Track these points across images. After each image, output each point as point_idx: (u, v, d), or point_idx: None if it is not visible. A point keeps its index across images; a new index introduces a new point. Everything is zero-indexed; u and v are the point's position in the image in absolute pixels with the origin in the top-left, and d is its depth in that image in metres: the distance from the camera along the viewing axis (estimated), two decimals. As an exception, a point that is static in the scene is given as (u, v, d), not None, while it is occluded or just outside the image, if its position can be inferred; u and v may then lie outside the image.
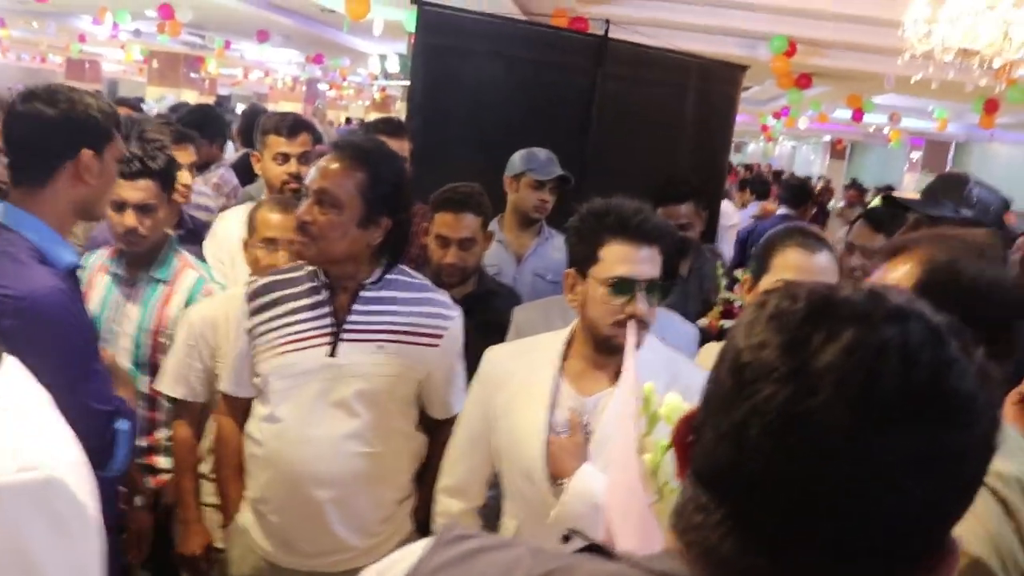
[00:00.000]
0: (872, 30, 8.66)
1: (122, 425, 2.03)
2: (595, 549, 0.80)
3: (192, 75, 21.63)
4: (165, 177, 2.79)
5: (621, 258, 1.92)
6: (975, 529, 1.18)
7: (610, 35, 4.58)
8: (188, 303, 2.75)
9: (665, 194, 3.69)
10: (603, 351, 1.98)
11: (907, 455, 0.65)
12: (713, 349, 2.39)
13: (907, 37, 6.47)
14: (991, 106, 10.85)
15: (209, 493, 2.59)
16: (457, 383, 2.38)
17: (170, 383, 2.59)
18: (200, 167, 4.31)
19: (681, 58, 4.89)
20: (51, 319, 1.83)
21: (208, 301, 2.72)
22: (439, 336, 2.30)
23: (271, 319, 2.27)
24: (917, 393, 0.66)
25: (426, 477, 2.34)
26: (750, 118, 20.84)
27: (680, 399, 1.47)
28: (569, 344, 2.06)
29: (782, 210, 6.54)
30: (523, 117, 4.18)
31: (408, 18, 6.56)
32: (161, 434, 2.76)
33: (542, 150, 3.59)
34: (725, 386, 0.72)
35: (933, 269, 1.37)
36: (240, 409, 2.38)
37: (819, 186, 14.38)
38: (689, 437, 0.77)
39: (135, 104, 6.27)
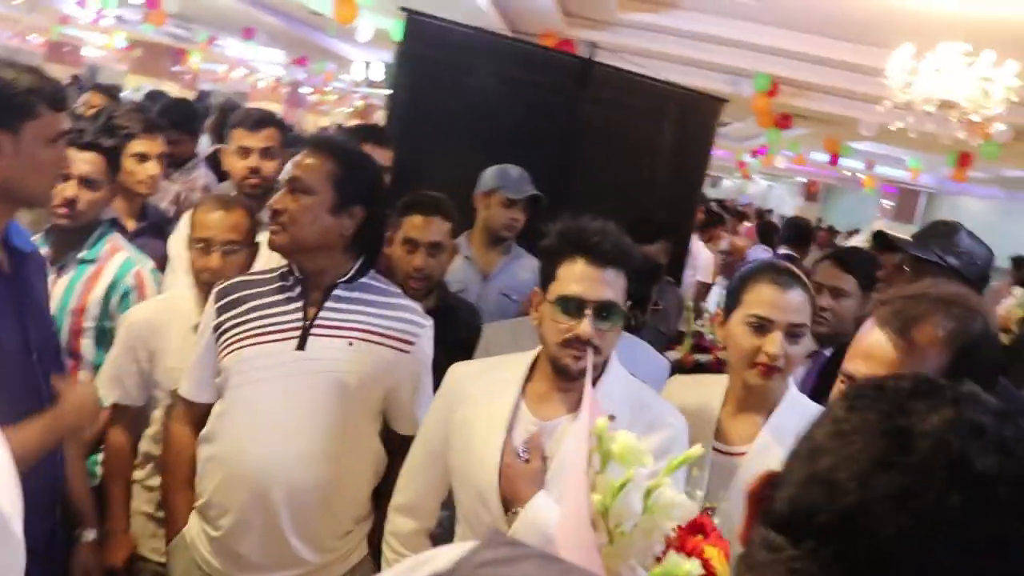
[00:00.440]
0: (855, 76, 8.76)
1: None
2: None
3: (174, 68, 21.47)
4: (112, 156, 2.73)
5: (575, 277, 1.86)
6: None
7: (595, 59, 4.57)
8: (114, 285, 2.66)
9: (637, 232, 3.69)
10: (560, 375, 1.93)
11: (987, 534, 0.68)
12: (680, 381, 2.34)
13: (889, 86, 6.55)
14: (964, 160, 11.01)
15: (144, 501, 2.51)
16: (424, 397, 2.32)
17: (106, 386, 2.50)
18: (178, 163, 4.20)
19: (662, 87, 4.87)
20: None
21: (150, 303, 2.64)
22: (410, 343, 2.27)
23: (240, 314, 2.23)
24: (1008, 477, 0.70)
25: (384, 499, 2.26)
26: (728, 154, 21.01)
27: (634, 438, 1.42)
28: (533, 366, 2.01)
29: (783, 250, 6.58)
30: (503, 134, 4.13)
31: (396, 27, 6.52)
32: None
33: (515, 167, 3.55)
34: (818, 440, 0.76)
35: (966, 344, 1.37)
36: (198, 416, 2.30)
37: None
38: (767, 492, 0.80)
39: (112, 91, 6.15)
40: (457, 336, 2.70)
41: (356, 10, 7.26)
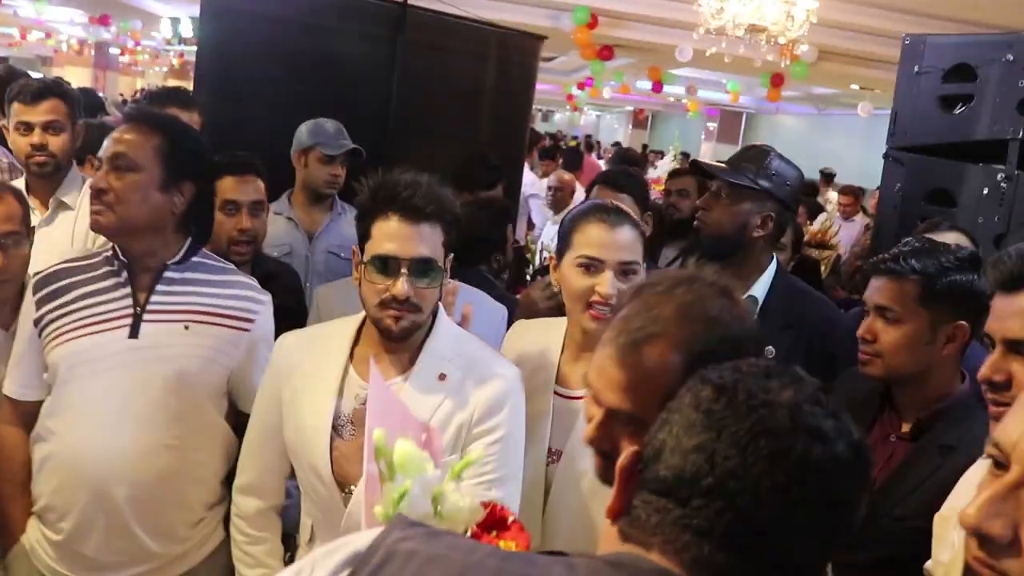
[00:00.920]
0: (671, 5, 8.93)
1: None
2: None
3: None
4: None
5: (388, 235, 1.79)
6: None
7: (410, 3, 4.46)
8: None
9: (475, 181, 3.66)
10: (384, 336, 1.87)
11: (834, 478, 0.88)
12: (522, 326, 2.30)
13: (701, 12, 6.71)
14: (777, 80, 11.48)
15: None
16: None
17: None
18: None
19: (481, 27, 4.83)
20: None
21: None
22: (250, 320, 2.17)
23: (63, 304, 2.08)
24: (842, 434, 0.90)
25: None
26: (556, 88, 21.19)
27: (412, 446, 1.38)
28: (361, 329, 1.96)
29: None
30: (319, 87, 3.99)
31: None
32: None
33: (330, 121, 3.45)
34: (690, 417, 0.90)
35: (698, 356, 1.16)
36: (27, 415, 2.14)
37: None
38: (638, 467, 0.93)
39: None
40: (281, 302, 2.61)
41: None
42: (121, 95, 19.41)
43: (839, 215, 8.65)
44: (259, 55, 4.00)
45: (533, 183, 7.43)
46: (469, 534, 1.38)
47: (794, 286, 2.54)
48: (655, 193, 6.29)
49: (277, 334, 2.14)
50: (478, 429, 1.85)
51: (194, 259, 2.15)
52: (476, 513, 1.38)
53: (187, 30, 13.13)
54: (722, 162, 2.60)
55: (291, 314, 2.52)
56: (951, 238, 2.59)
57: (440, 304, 1.96)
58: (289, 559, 2.09)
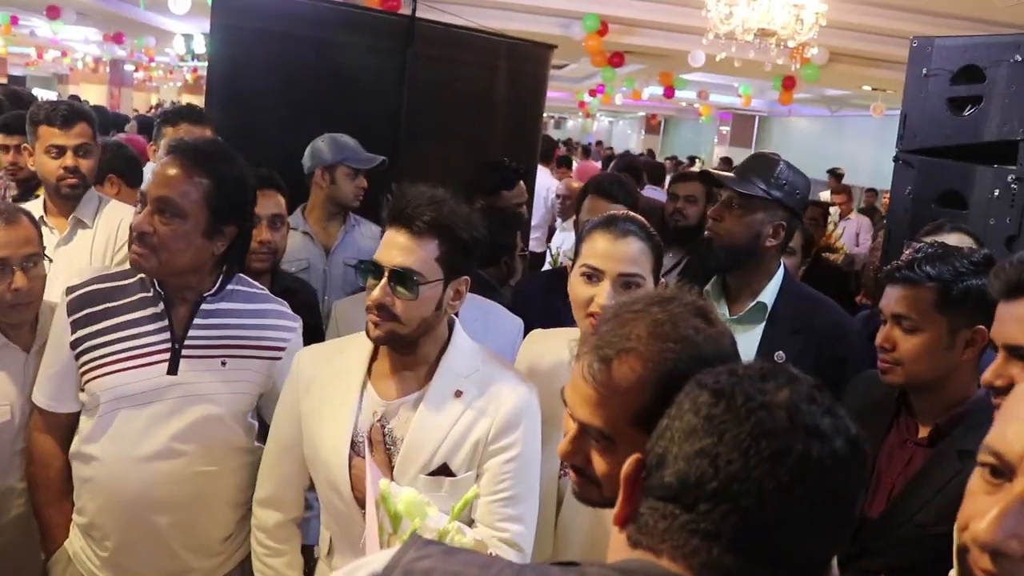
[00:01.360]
0: (680, 11, 8.94)
1: None
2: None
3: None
4: None
5: (383, 244, 1.84)
6: None
7: (419, 15, 4.48)
8: None
9: (492, 183, 3.66)
10: (395, 348, 1.90)
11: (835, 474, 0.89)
12: (535, 337, 2.30)
13: (710, 18, 6.71)
14: (789, 83, 11.46)
15: None
16: None
17: None
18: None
19: (490, 38, 4.85)
20: None
21: None
22: (282, 349, 2.19)
23: (99, 333, 2.08)
24: (840, 432, 0.90)
25: None
26: (568, 95, 21.22)
27: (415, 493, 1.40)
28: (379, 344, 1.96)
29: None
30: (330, 102, 4.02)
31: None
32: None
33: (345, 136, 3.48)
34: (691, 423, 0.91)
35: (669, 373, 1.17)
36: (61, 426, 2.17)
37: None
38: (642, 474, 0.95)
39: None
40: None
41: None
42: (136, 110, 19.57)
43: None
44: (269, 71, 4.03)
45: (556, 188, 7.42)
46: None
47: (802, 291, 2.54)
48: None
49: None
50: (494, 446, 1.85)
51: (229, 287, 2.17)
52: (480, 548, 1.39)
53: (200, 46, 13.22)
54: (729, 171, 2.61)
55: (308, 330, 2.55)
56: (954, 239, 2.59)
57: (456, 319, 1.98)
58: (309, 572, 2.11)
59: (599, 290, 1.95)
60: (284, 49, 4.06)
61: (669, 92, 14.39)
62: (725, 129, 22.99)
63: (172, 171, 2.02)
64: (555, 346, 2.17)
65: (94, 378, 2.08)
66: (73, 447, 2.15)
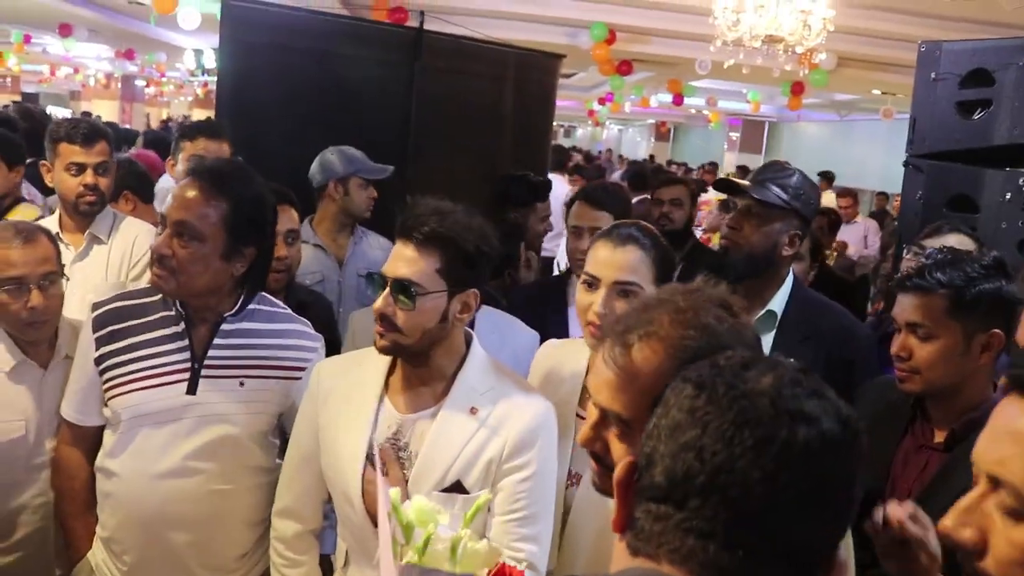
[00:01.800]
0: (687, 18, 8.95)
1: None
2: None
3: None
4: None
5: (391, 255, 1.85)
6: None
7: (426, 27, 4.51)
8: None
9: (513, 198, 3.66)
10: (407, 360, 1.91)
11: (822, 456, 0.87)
12: (549, 348, 2.30)
13: (718, 25, 6.72)
14: (798, 88, 11.45)
15: None
16: None
17: None
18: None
19: (498, 49, 4.87)
20: None
21: None
22: (302, 369, 2.19)
23: (122, 350, 2.12)
24: (829, 414, 0.89)
25: None
26: (577, 104, 21.23)
27: (426, 501, 1.41)
28: (396, 358, 1.96)
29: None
30: (337, 114, 4.03)
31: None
32: None
33: (352, 148, 3.51)
34: (676, 418, 0.90)
35: (688, 358, 1.17)
36: (86, 439, 2.22)
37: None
38: (634, 477, 0.93)
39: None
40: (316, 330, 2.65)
41: (175, -2, 6.96)
42: (148, 125, 19.68)
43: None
44: (277, 84, 4.05)
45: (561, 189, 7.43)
46: None
47: (810, 298, 2.53)
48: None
49: None
50: (508, 465, 1.84)
51: (250, 307, 2.18)
52: (494, 554, 1.39)
53: (210, 61, 13.30)
54: (737, 179, 2.60)
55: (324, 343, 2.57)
56: (953, 240, 2.58)
57: (474, 335, 1.98)
58: (326, 582, 2.12)
59: (596, 297, 1.96)
60: (292, 62, 4.09)
61: (678, 99, 14.40)
62: (735, 135, 22.97)
63: (191, 194, 2.05)
64: (570, 356, 2.16)
65: (116, 395, 2.12)
66: (97, 461, 2.19)
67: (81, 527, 2.22)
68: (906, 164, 3.45)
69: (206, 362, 2.12)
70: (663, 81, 13.85)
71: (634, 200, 6.78)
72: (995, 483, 0.93)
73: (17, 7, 11.39)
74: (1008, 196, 3.07)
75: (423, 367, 1.89)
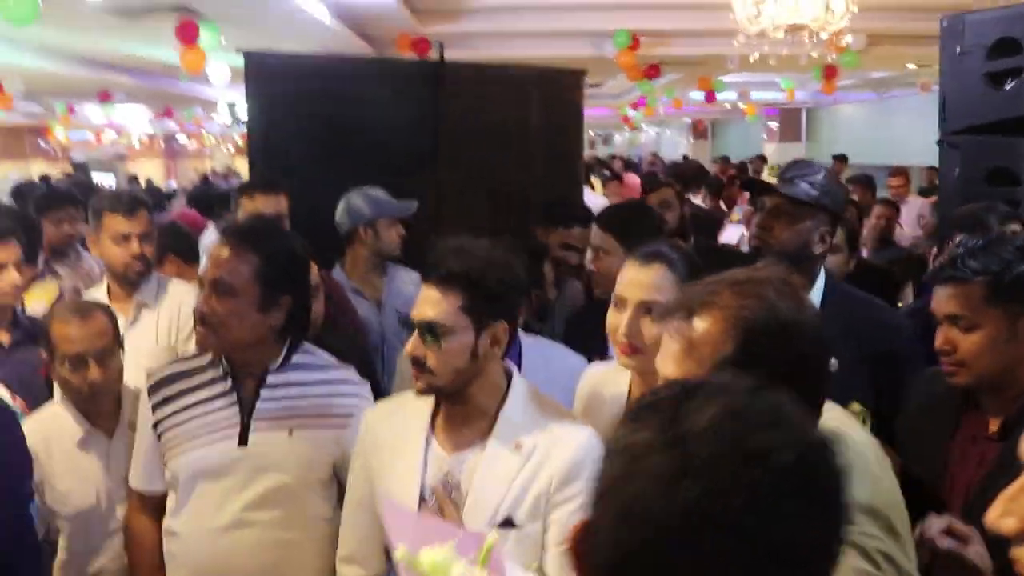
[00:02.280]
0: (708, 15, 8.87)
1: None
2: None
3: (41, 144, 20.82)
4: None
5: (418, 298, 1.88)
6: None
7: (448, 56, 4.54)
8: None
9: (561, 219, 3.61)
10: (447, 400, 1.92)
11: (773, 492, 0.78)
12: (593, 372, 2.29)
13: (739, 19, 6.66)
14: (830, 72, 11.29)
15: None
16: None
17: None
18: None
19: (519, 72, 4.89)
20: None
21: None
22: (349, 416, 2.23)
23: (175, 412, 2.21)
24: (781, 446, 0.79)
25: None
26: (611, 111, 21.18)
27: (442, 551, 1.40)
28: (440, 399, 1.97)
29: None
30: (366, 155, 4.08)
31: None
32: None
33: (375, 190, 3.57)
34: (617, 471, 0.80)
35: (750, 328, 1.28)
36: (153, 506, 2.30)
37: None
38: (586, 544, 0.84)
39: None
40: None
41: (203, 57, 7.11)
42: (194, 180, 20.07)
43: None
44: (305, 131, 4.12)
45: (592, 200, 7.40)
46: None
47: (847, 292, 2.49)
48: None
49: None
50: (557, 497, 1.83)
51: (295, 358, 2.24)
52: None
53: (244, 112, 13.55)
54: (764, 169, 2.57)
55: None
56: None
57: (515, 369, 1.98)
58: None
59: (623, 318, 1.95)
60: (316, 107, 4.14)
61: (710, 96, 14.29)
62: (774, 125, 22.69)
63: (223, 253, 2.15)
64: (611, 379, 2.16)
65: (173, 456, 2.20)
66: (163, 524, 2.26)
67: None
68: (940, 143, 3.39)
69: (255, 415, 2.18)
70: (693, 80, 13.77)
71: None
72: None
73: (57, 80, 11.73)
74: (1049, 165, 3.00)
75: (464, 405, 1.90)
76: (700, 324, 1.31)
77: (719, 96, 15.02)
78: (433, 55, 4.58)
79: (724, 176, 10.91)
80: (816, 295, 2.41)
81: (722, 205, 8.61)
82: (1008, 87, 3.15)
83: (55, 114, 17.09)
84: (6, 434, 2.02)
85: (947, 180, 3.41)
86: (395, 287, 3.53)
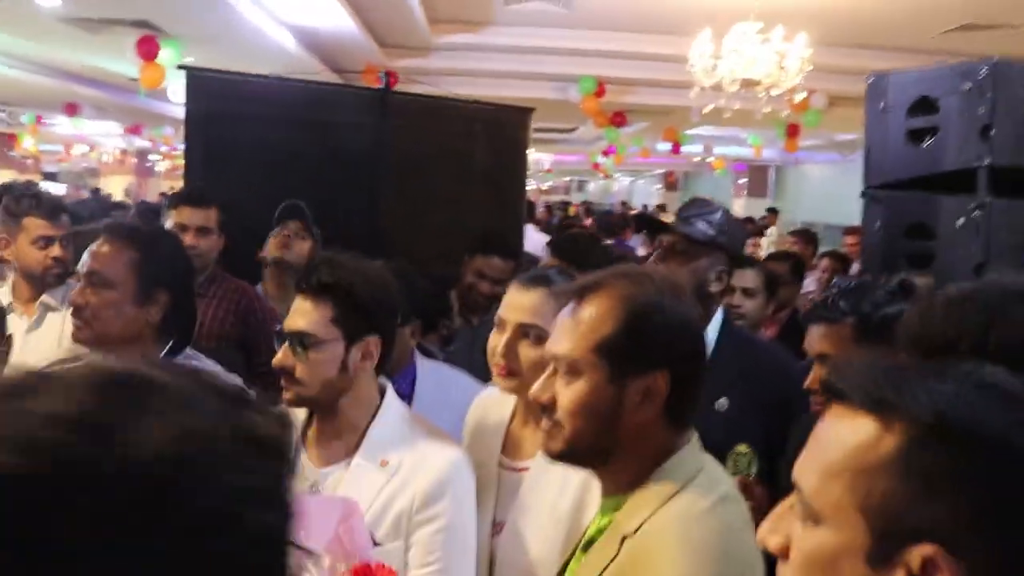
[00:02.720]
0: (670, 67, 8.99)
1: None
2: None
3: (10, 153, 20.72)
4: None
5: (292, 309, 1.88)
6: None
7: (407, 89, 4.58)
8: None
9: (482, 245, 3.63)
10: (317, 413, 1.90)
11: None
12: (483, 397, 2.26)
13: (695, 71, 6.76)
14: (792, 131, 11.47)
15: None
16: None
17: None
18: None
19: (465, 106, 4.93)
20: None
21: None
22: None
23: None
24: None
25: None
26: (582, 157, 21.38)
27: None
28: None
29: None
30: (306, 180, 4.07)
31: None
32: None
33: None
34: None
35: (635, 309, 1.39)
36: None
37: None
38: None
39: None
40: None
41: (162, 74, 7.09)
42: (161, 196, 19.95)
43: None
44: (244, 153, 4.10)
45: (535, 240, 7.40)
46: None
47: (742, 336, 2.51)
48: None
49: None
50: (419, 517, 1.82)
51: (178, 360, 2.19)
52: None
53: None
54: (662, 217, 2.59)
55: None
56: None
57: (389, 386, 1.97)
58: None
59: (501, 339, 1.95)
60: (259, 131, 4.13)
61: (676, 148, 14.46)
62: (742, 181, 22.99)
63: (101, 247, 2.16)
64: (495, 406, 2.14)
65: None
66: None
67: None
68: (864, 195, 3.43)
69: None
70: (660, 131, 13.93)
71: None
72: (797, 488, 0.93)
73: (24, 89, 11.67)
74: (962, 221, 3.03)
75: (334, 419, 1.89)
76: (588, 305, 1.41)
77: (685, 148, 15.21)
78: (380, 83, 4.58)
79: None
80: (712, 333, 2.41)
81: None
82: (926, 145, 3.19)
83: (22, 124, 16.97)
84: None
85: (869, 233, 3.44)
86: None
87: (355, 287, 1.83)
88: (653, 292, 1.41)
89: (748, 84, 6.54)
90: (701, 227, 2.39)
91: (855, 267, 7.72)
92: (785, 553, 0.90)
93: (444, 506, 1.81)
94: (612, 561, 1.35)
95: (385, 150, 4.36)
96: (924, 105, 3.18)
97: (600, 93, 9.58)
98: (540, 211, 14.95)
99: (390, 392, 1.95)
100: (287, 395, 1.84)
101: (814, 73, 7.48)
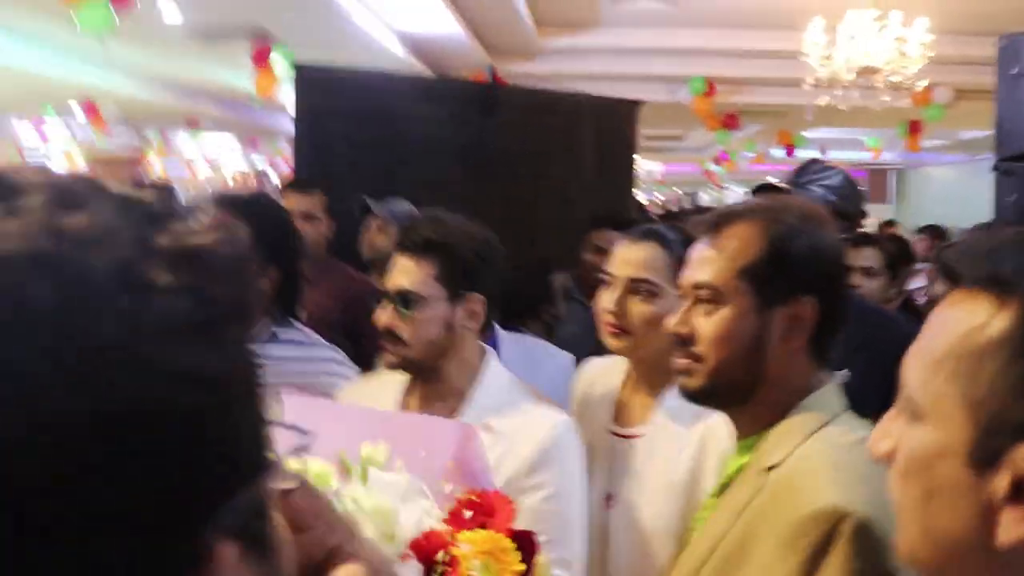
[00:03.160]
0: (784, 63, 8.74)
1: None
2: None
3: (140, 179, 21.66)
4: None
5: (390, 269, 1.84)
6: None
7: (501, 81, 4.55)
8: None
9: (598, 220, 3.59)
10: (419, 376, 1.86)
11: None
12: (590, 365, 2.21)
13: (810, 61, 6.54)
14: (914, 128, 11.00)
15: None
16: None
17: None
18: None
19: (572, 98, 4.85)
20: None
21: None
22: (332, 389, 2.17)
23: None
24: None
25: None
26: (695, 167, 21.04)
27: (319, 462, 1.31)
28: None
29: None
30: (414, 174, 4.05)
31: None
32: None
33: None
34: None
35: (778, 235, 1.34)
36: None
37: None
38: None
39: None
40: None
41: (275, 81, 7.26)
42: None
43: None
44: (352, 148, 4.11)
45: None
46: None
47: (865, 308, 2.36)
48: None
49: None
50: (527, 484, 1.74)
51: (280, 335, 2.20)
52: (384, 515, 1.28)
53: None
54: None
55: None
56: None
57: (490, 350, 1.92)
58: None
59: (611, 296, 1.87)
60: (367, 126, 4.14)
61: (790, 151, 14.07)
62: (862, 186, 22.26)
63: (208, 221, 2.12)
64: (604, 374, 2.07)
65: None
66: None
67: None
68: (995, 168, 3.22)
69: None
70: (773, 134, 13.59)
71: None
72: (902, 384, 0.83)
73: (146, 106, 12.18)
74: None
75: (436, 382, 1.84)
76: (728, 233, 1.36)
77: (801, 152, 14.79)
78: (486, 78, 4.57)
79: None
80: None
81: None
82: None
83: (151, 144, 17.72)
84: None
85: (1002, 208, 3.22)
86: None
87: (458, 244, 1.78)
88: (794, 219, 1.36)
89: (867, 72, 6.26)
90: (819, 193, 2.27)
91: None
92: (893, 458, 0.81)
93: (551, 473, 1.74)
94: (756, 496, 1.27)
95: (493, 143, 4.32)
96: (1064, 66, 2.97)
97: (711, 93, 9.39)
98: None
99: (492, 356, 1.90)
100: (390, 358, 1.80)
101: (937, 65, 7.15)
